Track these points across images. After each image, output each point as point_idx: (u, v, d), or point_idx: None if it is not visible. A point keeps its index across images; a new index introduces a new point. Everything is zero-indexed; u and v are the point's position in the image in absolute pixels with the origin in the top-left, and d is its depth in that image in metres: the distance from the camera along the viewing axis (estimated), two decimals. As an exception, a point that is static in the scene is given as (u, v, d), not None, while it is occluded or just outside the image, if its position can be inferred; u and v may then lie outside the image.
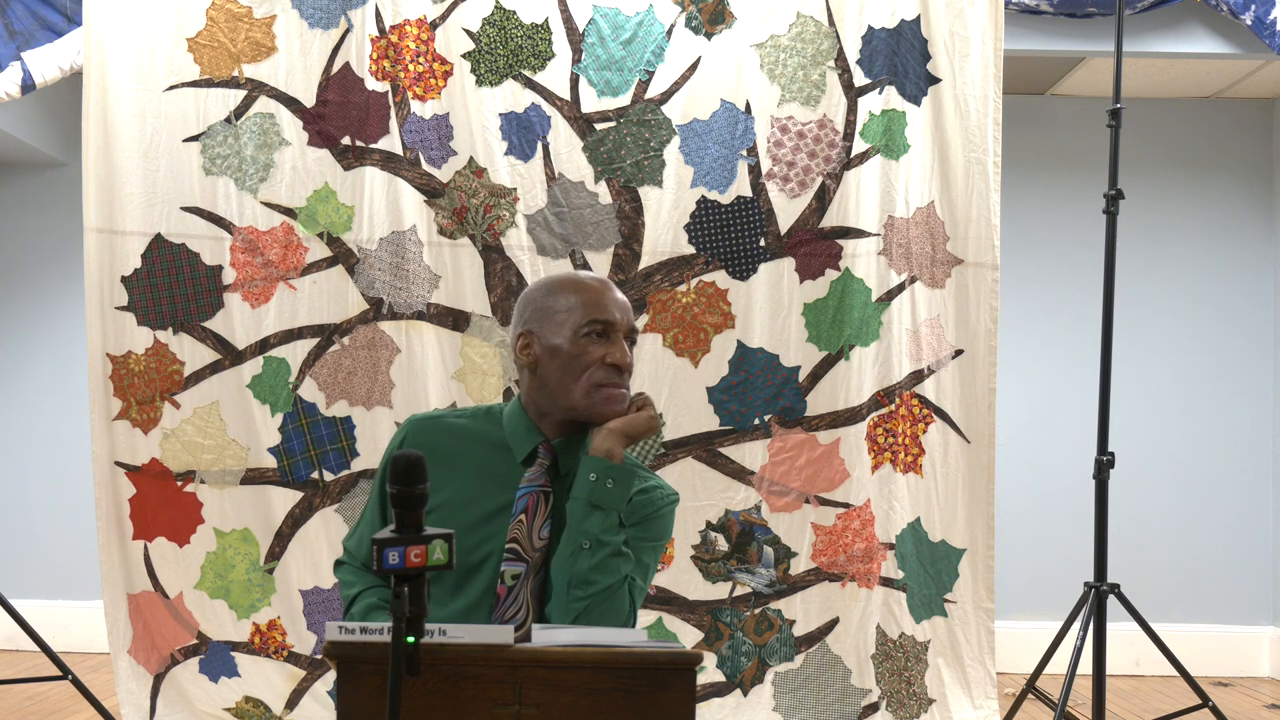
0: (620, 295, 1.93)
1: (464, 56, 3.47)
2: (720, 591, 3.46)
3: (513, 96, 3.47)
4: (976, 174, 3.50)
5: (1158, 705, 4.01)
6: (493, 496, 1.85)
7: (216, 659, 3.47)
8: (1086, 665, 3.11)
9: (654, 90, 3.47)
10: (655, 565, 1.93)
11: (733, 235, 3.47)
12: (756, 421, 3.47)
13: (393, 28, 3.45)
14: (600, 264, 3.47)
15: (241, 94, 3.45)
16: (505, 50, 3.46)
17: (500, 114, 3.47)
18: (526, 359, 1.90)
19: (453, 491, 1.85)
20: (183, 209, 3.45)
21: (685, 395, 3.46)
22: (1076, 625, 3.14)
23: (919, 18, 3.50)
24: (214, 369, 3.46)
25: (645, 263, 3.47)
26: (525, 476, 1.86)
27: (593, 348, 1.86)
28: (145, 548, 3.46)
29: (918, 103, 3.51)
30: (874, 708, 3.47)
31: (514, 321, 1.94)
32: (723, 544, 3.46)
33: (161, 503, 3.45)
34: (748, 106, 3.47)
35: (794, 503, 3.47)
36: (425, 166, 3.46)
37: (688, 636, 3.43)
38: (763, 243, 3.48)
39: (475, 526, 1.83)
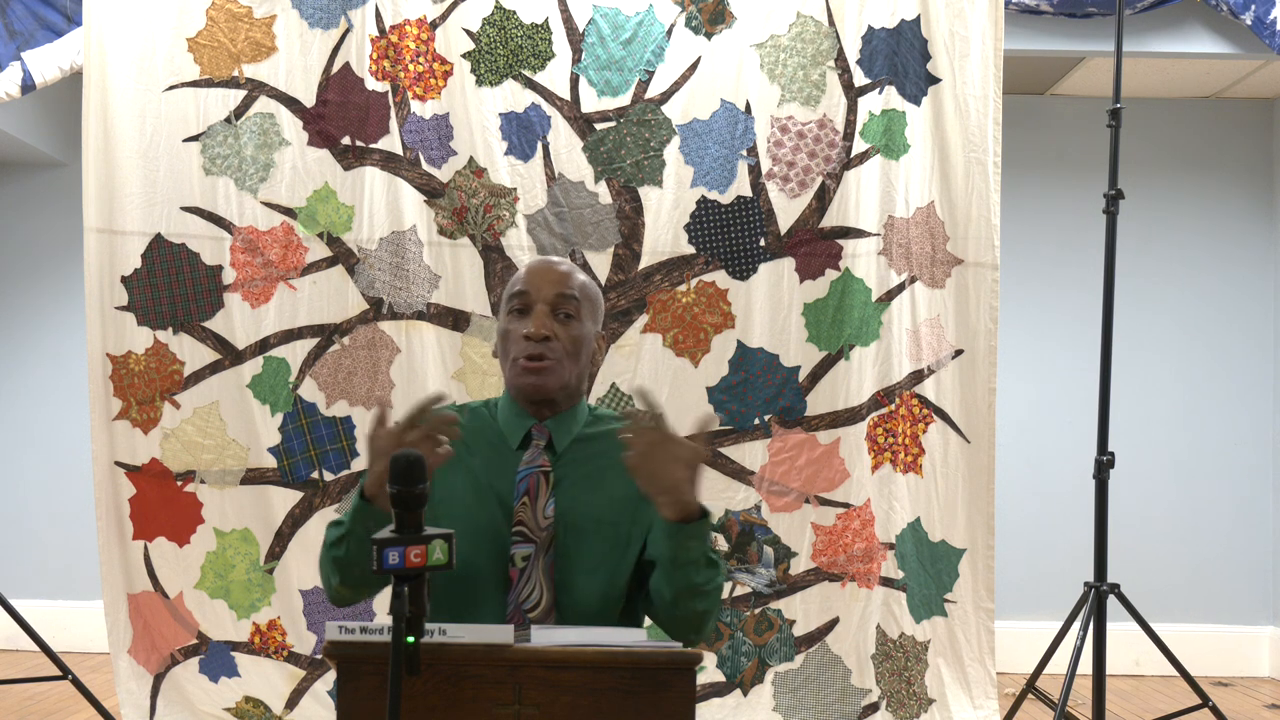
0: (553, 268, 1.91)
1: (464, 56, 3.47)
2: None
3: (513, 96, 3.47)
4: (976, 174, 3.50)
5: (1158, 705, 4.01)
6: (490, 483, 1.87)
7: (216, 659, 3.47)
8: (1086, 665, 3.11)
9: (654, 90, 3.47)
10: None
11: (733, 235, 3.47)
12: (756, 421, 3.47)
13: (393, 28, 3.45)
14: (600, 264, 3.47)
15: (241, 94, 3.45)
16: (505, 50, 3.46)
17: (500, 114, 3.47)
18: (495, 350, 1.97)
19: (457, 487, 1.87)
20: (183, 209, 3.45)
21: (685, 395, 3.46)
22: (1076, 625, 3.14)
23: (919, 18, 3.50)
24: (214, 369, 3.46)
25: (645, 263, 3.47)
26: (523, 459, 1.87)
27: (514, 325, 1.89)
28: (145, 548, 3.46)
29: (918, 103, 3.51)
30: (874, 708, 3.47)
31: None
32: (723, 544, 3.46)
33: (161, 503, 3.45)
34: (748, 106, 3.47)
35: (794, 503, 3.47)
36: (425, 166, 3.46)
37: (688, 636, 3.43)
38: (763, 243, 3.48)
39: (474, 513, 1.84)
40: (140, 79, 3.43)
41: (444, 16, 3.46)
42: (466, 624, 1.47)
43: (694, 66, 3.47)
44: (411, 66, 3.45)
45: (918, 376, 3.52)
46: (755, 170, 3.47)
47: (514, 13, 3.47)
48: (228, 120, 3.45)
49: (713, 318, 3.48)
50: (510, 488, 1.85)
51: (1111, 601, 3.12)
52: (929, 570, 3.52)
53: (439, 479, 1.84)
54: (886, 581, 3.49)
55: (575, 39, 3.47)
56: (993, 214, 3.50)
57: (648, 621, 1.98)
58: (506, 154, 3.47)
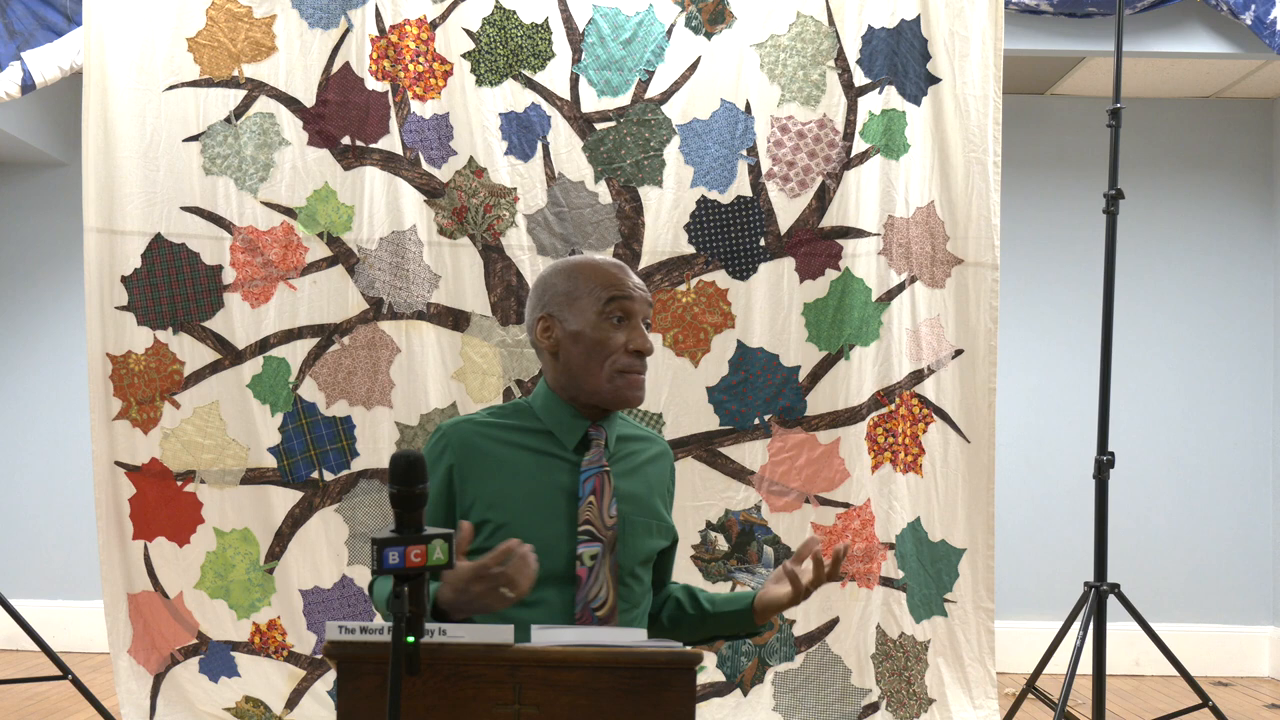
0: (638, 279, 1.94)
1: (464, 56, 3.47)
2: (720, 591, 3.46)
3: (513, 96, 3.47)
4: (976, 174, 3.50)
5: (1158, 705, 4.01)
6: (547, 484, 1.86)
7: (216, 659, 3.47)
8: (1086, 665, 3.11)
9: (654, 90, 3.47)
10: None
11: (733, 235, 3.47)
12: (756, 421, 3.47)
13: (393, 27, 3.45)
14: (600, 264, 3.46)
15: (241, 94, 3.45)
16: (505, 50, 3.46)
17: (500, 114, 3.47)
18: (547, 342, 1.91)
19: (501, 488, 1.84)
20: (183, 209, 3.45)
21: (685, 395, 3.46)
22: (1076, 625, 3.13)
23: (919, 17, 3.50)
24: (214, 369, 3.46)
25: (645, 262, 3.47)
26: (586, 460, 1.87)
27: (615, 333, 1.87)
28: (145, 547, 3.46)
29: (918, 102, 3.51)
30: (874, 707, 3.47)
31: (531, 304, 1.93)
32: (723, 544, 3.46)
33: (161, 502, 3.45)
34: (748, 106, 3.47)
35: (794, 502, 3.47)
36: (425, 166, 3.46)
37: (688, 636, 3.43)
38: (763, 242, 3.48)
39: (536, 517, 1.83)
40: (140, 79, 3.43)
41: (444, 16, 3.46)
42: (467, 624, 1.47)
43: (694, 66, 3.47)
44: (411, 66, 3.45)
45: (918, 376, 3.52)
46: (755, 170, 3.47)
47: (514, 13, 3.47)
48: (228, 120, 3.45)
49: (713, 318, 3.48)
50: (568, 488, 1.85)
51: (1112, 601, 3.12)
52: (929, 570, 3.52)
53: (493, 487, 1.84)
54: (886, 581, 3.49)
55: (575, 39, 3.47)
56: (993, 214, 3.50)
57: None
58: (506, 154, 3.47)
